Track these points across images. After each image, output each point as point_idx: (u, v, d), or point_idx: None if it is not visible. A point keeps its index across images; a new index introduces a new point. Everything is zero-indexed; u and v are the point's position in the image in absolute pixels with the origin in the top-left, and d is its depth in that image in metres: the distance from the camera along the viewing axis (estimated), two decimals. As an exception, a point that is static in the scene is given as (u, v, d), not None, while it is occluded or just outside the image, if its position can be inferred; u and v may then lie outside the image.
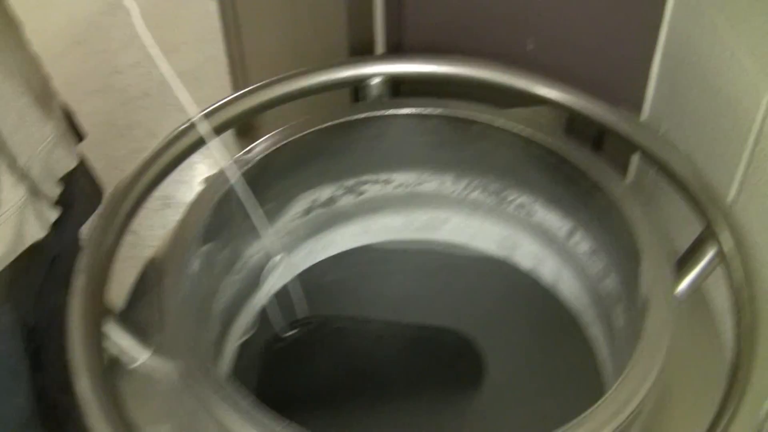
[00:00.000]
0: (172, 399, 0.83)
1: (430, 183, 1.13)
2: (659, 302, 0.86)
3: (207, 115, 1.01)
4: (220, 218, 0.96)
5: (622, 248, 0.98)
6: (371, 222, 1.17)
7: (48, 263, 1.04)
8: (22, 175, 0.93)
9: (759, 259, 0.90)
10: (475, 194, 1.13)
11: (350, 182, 1.11)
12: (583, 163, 1.00)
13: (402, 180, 1.13)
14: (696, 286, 0.93)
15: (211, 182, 0.97)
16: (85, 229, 1.10)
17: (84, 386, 0.79)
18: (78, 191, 1.06)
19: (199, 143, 1.00)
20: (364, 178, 1.12)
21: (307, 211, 1.11)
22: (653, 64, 1.30)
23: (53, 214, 0.98)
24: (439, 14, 1.25)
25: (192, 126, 0.98)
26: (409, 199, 1.15)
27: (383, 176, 1.12)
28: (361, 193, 1.13)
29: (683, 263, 0.93)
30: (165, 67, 0.81)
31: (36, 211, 0.94)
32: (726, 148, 1.10)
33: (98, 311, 0.86)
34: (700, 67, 1.16)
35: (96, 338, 0.84)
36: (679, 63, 1.24)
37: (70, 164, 1.04)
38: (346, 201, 1.13)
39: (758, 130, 1.06)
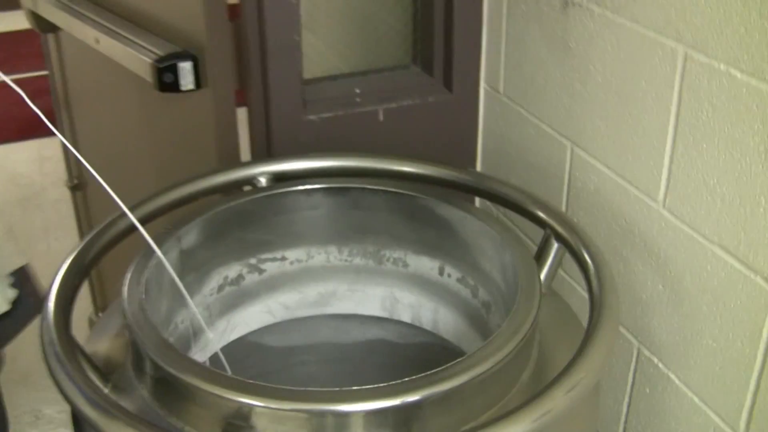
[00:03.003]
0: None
1: (319, 256, 1.35)
2: (528, 284, 1.10)
3: (133, 208, 1.20)
4: (154, 284, 1.13)
5: (486, 263, 1.23)
6: (272, 300, 1.36)
7: None
8: None
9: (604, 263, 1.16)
10: (357, 260, 1.36)
11: (253, 260, 1.32)
12: (439, 205, 1.26)
13: (295, 256, 1.34)
14: (552, 274, 1.19)
15: (140, 259, 1.15)
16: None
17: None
18: (24, 293, 1.19)
19: (129, 230, 1.19)
20: (264, 255, 1.32)
21: (221, 287, 1.29)
22: (477, 148, 1.64)
23: (13, 293, 1.12)
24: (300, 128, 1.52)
25: (122, 216, 1.17)
26: (302, 274, 1.36)
27: (279, 253, 1.33)
28: (262, 271, 1.33)
29: (537, 259, 1.19)
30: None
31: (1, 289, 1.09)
32: (548, 185, 1.41)
33: (70, 342, 1.00)
34: (516, 136, 1.50)
35: (75, 362, 0.98)
36: (502, 137, 1.58)
37: (20, 261, 1.18)
38: (251, 279, 1.33)
39: (569, 170, 1.38)
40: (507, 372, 1.00)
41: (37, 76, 4.17)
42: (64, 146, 2.47)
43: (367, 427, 0.92)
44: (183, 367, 0.95)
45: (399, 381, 0.93)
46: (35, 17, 2.12)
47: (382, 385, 0.93)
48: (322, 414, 0.91)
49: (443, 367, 0.95)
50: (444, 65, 1.62)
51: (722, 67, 1.07)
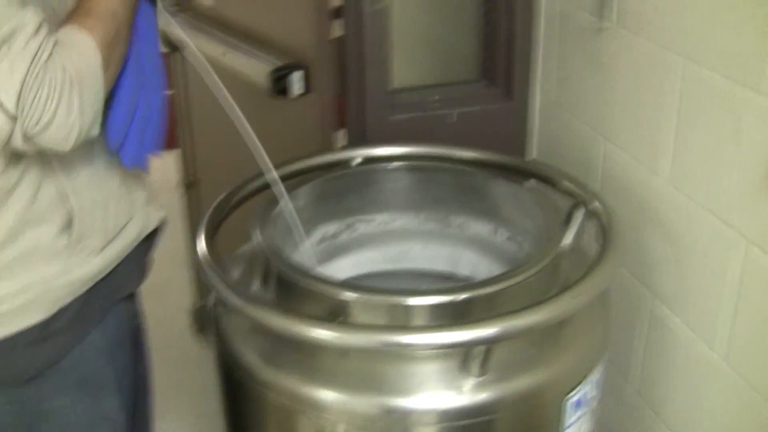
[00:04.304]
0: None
1: (399, 220, 1.79)
2: (555, 233, 1.52)
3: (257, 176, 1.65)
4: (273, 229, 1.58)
5: (528, 224, 1.65)
6: (360, 255, 1.79)
7: None
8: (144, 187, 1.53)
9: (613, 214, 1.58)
10: (429, 224, 1.78)
11: (348, 221, 1.76)
12: (495, 182, 1.69)
13: (381, 219, 1.78)
14: (580, 233, 1.59)
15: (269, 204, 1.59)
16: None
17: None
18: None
19: (259, 189, 1.64)
20: (357, 217, 1.76)
21: (321, 240, 1.74)
22: (534, 146, 2.07)
23: (162, 214, 1.56)
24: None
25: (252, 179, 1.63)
26: (385, 235, 1.79)
27: (368, 216, 1.77)
28: (355, 230, 1.77)
29: (567, 222, 1.60)
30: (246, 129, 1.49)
31: (153, 208, 1.53)
32: (588, 173, 1.82)
33: (218, 256, 1.45)
34: (562, 135, 1.92)
35: (222, 266, 1.42)
36: (551, 137, 2.00)
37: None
38: (346, 236, 1.77)
39: (603, 159, 1.79)
40: (535, 287, 1.40)
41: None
42: (183, 151, 2.97)
43: (432, 316, 1.33)
44: (302, 273, 1.39)
45: (455, 285, 1.36)
46: (166, 36, 2.61)
47: (441, 287, 1.35)
48: (397, 305, 1.34)
49: (486, 278, 1.37)
50: (506, 79, 2.06)
51: (707, 72, 1.48)
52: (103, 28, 1.25)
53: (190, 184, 2.92)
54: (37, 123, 1.16)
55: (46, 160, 1.32)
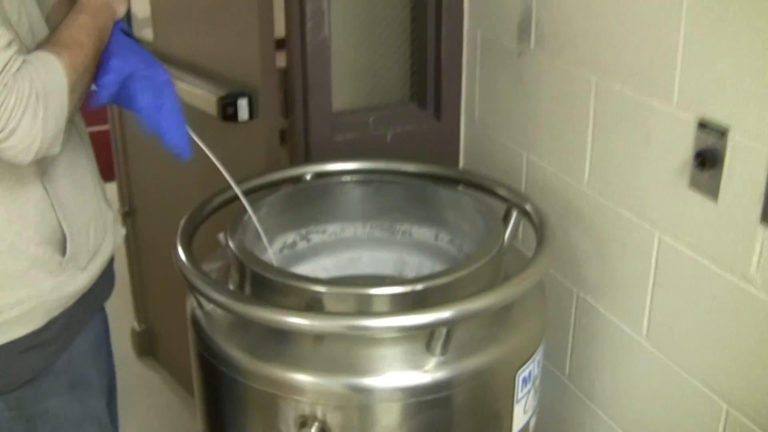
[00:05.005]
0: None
1: (349, 230, 1.97)
2: (495, 231, 1.72)
3: (221, 192, 1.82)
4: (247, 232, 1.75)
5: (467, 227, 1.85)
6: (315, 263, 1.97)
7: None
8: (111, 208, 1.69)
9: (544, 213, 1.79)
10: (376, 232, 1.98)
11: (303, 231, 1.94)
12: (435, 191, 1.89)
13: (332, 230, 1.97)
14: (513, 233, 1.81)
15: (237, 217, 1.77)
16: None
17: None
18: None
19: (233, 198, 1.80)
20: (311, 228, 1.95)
21: (282, 249, 1.91)
22: (460, 163, 2.28)
23: (125, 230, 1.73)
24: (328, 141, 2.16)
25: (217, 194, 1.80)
26: (337, 244, 1.98)
27: (321, 227, 1.95)
28: (309, 240, 1.95)
29: (504, 221, 1.81)
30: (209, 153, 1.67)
31: (119, 227, 1.70)
32: (512, 174, 2.04)
33: (196, 263, 1.61)
34: (487, 151, 2.14)
35: (201, 270, 1.59)
36: (477, 153, 2.21)
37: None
38: (302, 245, 1.94)
39: (526, 170, 2.02)
40: (481, 278, 1.60)
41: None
42: (119, 182, 3.10)
43: (392, 304, 1.52)
44: (276, 272, 1.57)
45: (412, 277, 1.55)
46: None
47: (401, 279, 1.55)
48: (362, 295, 1.52)
49: (438, 271, 1.57)
50: (434, 102, 2.28)
51: (618, 86, 1.72)
52: (70, 55, 1.36)
53: (127, 214, 3.07)
54: (2, 129, 1.24)
55: (44, 189, 1.47)
